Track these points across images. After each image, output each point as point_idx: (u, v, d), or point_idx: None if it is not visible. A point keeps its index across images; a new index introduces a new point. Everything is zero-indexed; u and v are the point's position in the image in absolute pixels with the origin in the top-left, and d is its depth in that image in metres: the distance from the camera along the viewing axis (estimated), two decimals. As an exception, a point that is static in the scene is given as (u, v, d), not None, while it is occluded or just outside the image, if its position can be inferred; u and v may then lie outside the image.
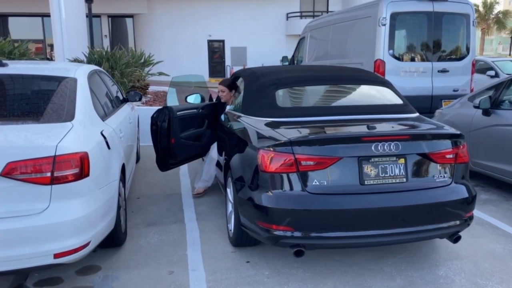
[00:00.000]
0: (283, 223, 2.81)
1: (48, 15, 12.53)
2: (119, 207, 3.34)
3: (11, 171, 2.44)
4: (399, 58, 6.82)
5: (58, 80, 3.37)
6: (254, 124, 3.40)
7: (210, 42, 25.73)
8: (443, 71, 6.90)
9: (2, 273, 2.53)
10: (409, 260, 3.31)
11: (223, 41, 25.94)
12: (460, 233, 3.08)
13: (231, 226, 3.52)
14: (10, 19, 23.14)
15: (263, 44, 25.27)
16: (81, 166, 2.65)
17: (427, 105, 6.75)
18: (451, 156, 3.06)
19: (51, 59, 18.20)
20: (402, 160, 2.93)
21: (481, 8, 42.12)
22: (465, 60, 7.09)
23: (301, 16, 25.61)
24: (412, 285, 2.96)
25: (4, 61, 3.56)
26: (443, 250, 3.47)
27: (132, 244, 3.59)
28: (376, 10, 6.79)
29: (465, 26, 7.03)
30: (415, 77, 6.87)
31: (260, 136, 3.14)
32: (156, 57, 10.94)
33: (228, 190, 3.70)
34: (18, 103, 3.28)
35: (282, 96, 3.67)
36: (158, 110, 4.42)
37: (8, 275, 2.96)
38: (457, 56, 7.09)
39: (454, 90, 6.94)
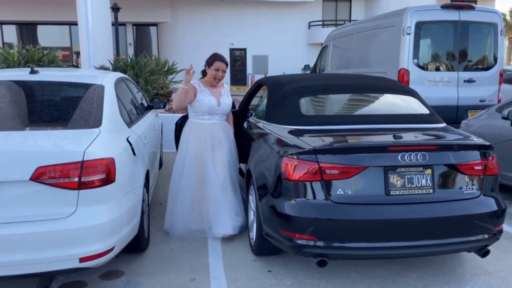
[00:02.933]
0: (306, 232, 2.79)
1: (75, 24, 12.87)
2: (142, 212, 3.37)
3: (41, 176, 2.50)
4: (423, 68, 6.72)
5: (86, 87, 3.45)
6: (277, 131, 3.40)
7: (232, 50, 25.93)
8: (470, 81, 6.76)
9: (30, 276, 2.58)
10: (435, 274, 3.23)
11: (245, 50, 26.12)
12: (489, 247, 3.00)
13: (253, 234, 3.50)
14: (39, 27, 23.85)
15: (285, 53, 25.32)
16: (108, 172, 2.69)
17: (452, 115, 6.61)
18: (479, 167, 2.98)
19: (77, 66, 18.65)
20: (429, 171, 2.88)
21: (508, 17, 41.24)
22: (493, 70, 6.93)
23: (323, 25, 25.58)
24: (438, 300, 2.89)
25: (35, 68, 3.66)
26: (470, 265, 3.37)
27: (154, 250, 3.61)
28: (400, 19, 6.73)
29: (493, 35, 6.89)
30: (440, 86, 6.75)
31: (284, 144, 3.13)
32: (179, 65, 11.09)
33: (250, 198, 3.70)
34: (47, 109, 3.37)
35: (306, 104, 3.66)
36: (183, 117, 4.47)
37: (34, 277, 3.02)
38: (484, 66, 6.94)
39: (481, 101, 6.79)
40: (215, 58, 3.91)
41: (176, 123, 4.48)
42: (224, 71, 3.91)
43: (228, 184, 3.87)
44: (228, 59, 26.14)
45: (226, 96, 3.98)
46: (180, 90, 3.81)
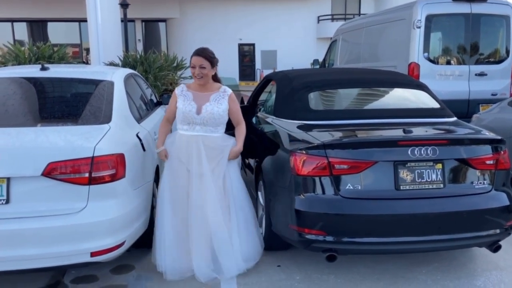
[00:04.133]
0: (316, 227, 2.79)
1: (84, 20, 12.94)
2: (152, 207, 3.40)
3: (52, 171, 2.53)
4: (434, 61, 6.65)
5: (96, 83, 3.47)
6: (286, 126, 3.39)
7: (240, 45, 25.87)
8: (481, 74, 6.68)
9: (42, 270, 2.63)
10: (445, 269, 3.21)
11: (253, 45, 26.04)
12: (500, 243, 2.97)
13: (262, 229, 3.51)
14: (49, 24, 24.02)
15: (294, 48, 25.19)
16: (118, 167, 2.71)
17: (463, 109, 6.53)
18: (491, 162, 2.95)
19: (87, 62, 18.77)
20: (439, 165, 2.85)
21: (520, 9, 40.56)
22: (505, 63, 6.83)
23: (332, 19, 25.39)
24: (448, 295, 2.87)
25: (45, 65, 3.69)
26: (481, 260, 3.35)
27: (164, 245, 3.63)
28: (410, 12, 6.65)
29: (505, 28, 6.78)
30: (451, 80, 6.68)
31: (293, 139, 3.13)
32: (188, 60, 11.10)
33: (259, 193, 3.70)
34: (58, 105, 3.40)
35: (315, 99, 3.65)
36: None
37: (47, 271, 3.06)
38: (495, 59, 6.85)
39: (492, 94, 6.70)
40: (192, 54, 3.13)
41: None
42: (202, 67, 3.05)
43: (223, 219, 3.03)
44: (236, 54, 26.15)
45: (214, 102, 3.08)
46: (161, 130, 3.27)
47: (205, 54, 3.10)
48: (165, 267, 3.03)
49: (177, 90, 3.21)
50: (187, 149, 3.07)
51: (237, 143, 3.19)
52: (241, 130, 3.25)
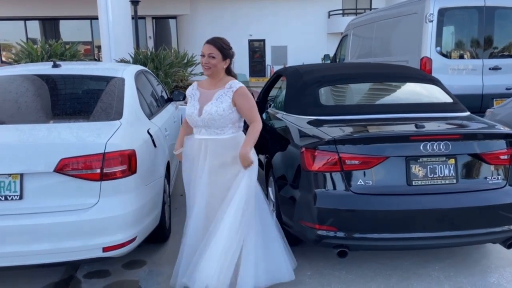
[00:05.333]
0: (327, 222, 2.77)
1: (96, 18, 13.04)
2: (164, 203, 3.42)
3: (64, 167, 2.55)
4: (447, 56, 6.56)
5: (107, 80, 3.49)
6: (296, 122, 3.38)
7: (250, 41, 25.83)
8: (495, 68, 6.57)
9: (55, 264, 2.66)
10: (458, 265, 3.18)
11: (263, 41, 25.98)
12: (515, 239, 2.93)
13: (273, 225, 3.50)
14: (61, 22, 24.25)
15: (304, 43, 25.08)
16: (129, 163, 2.73)
17: (477, 104, 6.44)
18: (505, 157, 2.90)
19: (98, 60, 18.92)
20: (452, 161, 2.82)
21: (536, 2, 39.81)
22: (520, 57, 6.72)
23: (343, 14, 25.21)
24: (461, 291, 2.84)
25: (57, 62, 3.73)
26: (495, 256, 3.30)
27: (175, 240, 3.65)
28: (422, 6, 6.56)
29: (520, 21, 6.66)
30: (464, 75, 6.58)
31: (303, 135, 3.11)
32: (198, 57, 11.11)
33: (269, 189, 3.70)
34: (70, 102, 3.44)
35: (326, 94, 3.62)
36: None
37: (60, 266, 3.10)
38: (510, 52, 6.72)
39: (507, 89, 6.59)
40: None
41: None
42: (211, 56, 2.73)
43: (225, 234, 2.62)
44: (247, 50, 26.07)
45: (216, 101, 2.72)
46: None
47: (217, 43, 2.76)
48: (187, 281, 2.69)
49: (188, 90, 2.94)
50: (195, 154, 2.83)
51: (242, 144, 2.72)
52: (252, 129, 2.76)
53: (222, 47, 2.77)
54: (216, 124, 2.73)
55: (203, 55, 2.77)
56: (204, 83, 2.90)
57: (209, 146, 2.75)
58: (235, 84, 2.79)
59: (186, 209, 2.94)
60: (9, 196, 2.53)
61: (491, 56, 6.61)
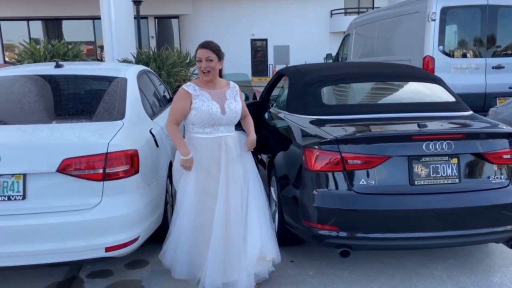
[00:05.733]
0: (329, 222, 2.77)
1: (98, 18, 13.04)
2: (166, 203, 3.42)
3: (67, 167, 2.56)
4: (449, 55, 6.54)
5: (109, 80, 3.50)
6: (299, 122, 3.38)
7: (253, 41, 25.82)
8: (498, 67, 6.55)
9: (59, 264, 2.67)
10: (461, 265, 3.17)
11: (266, 40, 25.96)
12: (518, 238, 2.92)
13: (275, 225, 3.51)
14: (64, 22, 24.30)
15: (306, 42, 25.05)
16: (131, 163, 2.73)
17: (480, 103, 6.43)
18: (508, 156, 2.89)
19: (101, 60, 18.95)
20: (454, 160, 2.81)
21: (539, 0, 39.62)
22: (523, 56, 6.69)
23: (345, 13, 25.16)
24: (464, 291, 2.84)
25: (60, 63, 3.73)
26: (498, 256, 3.30)
27: (178, 240, 3.66)
28: (425, 5, 6.55)
29: (523, 20, 6.63)
30: (467, 74, 6.56)
31: (305, 134, 3.11)
32: (200, 56, 11.09)
33: (272, 188, 3.70)
34: (72, 102, 3.45)
35: (328, 94, 3.62)
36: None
37: (63, 266, 3.11)
38: (513, 51, 6.70)
39: (510, 88, 6.56)
40: (197, 47, 2.91)
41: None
42: (209, 59, 2.81)
43: (253, 220, 2.87)
44: (249, 50, 26.07)
45: (232, 99, 2.90)
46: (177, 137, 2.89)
47: (211, 46, 2.86)
48: (175, 265, 2.90)
49: (190, 89, 2.87)
50: (212, 154, 2.83)
51: (250, 132, 3.06)
52: (250, 120, 3.14)
53: (216, 49, 2.87)
54: (234, 121, 2.95)
55: (200, 60, 2.83)
56: (203, 85, 2.91)
57: (228, 142, 2.88)
58: (233, 83, 3.03)
59: (183, 203, 2.87)
60: (12, 196, 2.54)
61: (494, 55, 6.59)
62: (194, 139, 2.89)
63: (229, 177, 2.83)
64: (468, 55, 6.65)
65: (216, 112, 2.82)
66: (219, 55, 2.87)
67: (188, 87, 2.90)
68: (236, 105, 2.90)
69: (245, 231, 2.84)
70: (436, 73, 6.16)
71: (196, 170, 2.85)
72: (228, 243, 2.77)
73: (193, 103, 2.83)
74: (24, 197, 2.55)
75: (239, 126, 3.14)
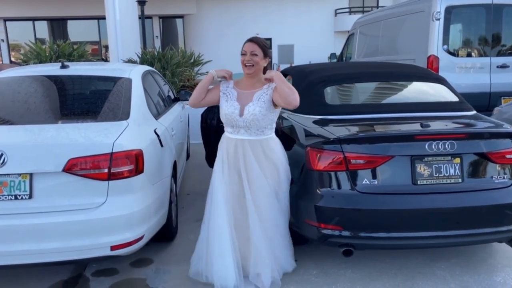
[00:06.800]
0: (332, 222, 2.79)
1: (103, 18, 13.12)
2: (170, 202, 3.45)
3: (72, 167, 2.59)
4: (454, 54, 6.52)
5: (114, 80, 3.53)
6: (302, 121, 3.39)
7: (257, 40, 25.82)
8: (503, 66, 6.52)
9: (64, 263, 2.70)
10: (464, 264, 3.17)
11: (270, 39, 25.97)
12: (521, 238, 2.92)
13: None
14: (69, 22, 24.42)
15: (311, 41, 25.02)
16: (136, 163, 2.76)
17: (484, 102, 6.41)
18: (511, 156, 2.90)
19: (106, 60, 19.04)
20: (457, 160, 2.82)
21: (545, -2, 39.31)
22: (528, 55, 6.66)
23: (350, 12, 25.11)
24: (467, 290, 2.84)
25: (65, 63, 3.77)
26: (501, 255, 3.30)
27: (182, 239, 3.69)
28: (429, 4, 6.53)
29: (528, 19, 6.61)
30: (472, 73, 6.54)
31: (308, 134, 3.13)
32: (205, 56, 11.15)
33: (276, 188, 3.71)
34: (78, 102, 3.48)
35: (331, 94, 3.63)
36: (208, 109, 4.51)
37: (69, 264, 3.15)
38: (518, 50, 6.68)
39: None
40: (244, 42, 2.91)
41: (202, 115, 4.52)
42: (253, 54, 2.79)
43: (270, 227, 2.88)
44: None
45: (257, 102, 2.80)
46: (201, 83, 2.97)
47: (259, 41, 2.85)
48: (212, 275, 2.85)
49: (222, 86, 2.91)
50: (234, 153, 2.85)
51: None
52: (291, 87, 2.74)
53: (263, 45, 2.86)
54: (259, 124, 2.80)
55: (244, 54, 2.83)
56: (240, 84, 2.94)
57: (245, 146, 2.84)
58: (273, 84, 2.83)
59: (215, 205, 2.88)
60: (19, 195, 2.58)
61: (499, 54, 6.56)
62: (223, 136, 2.98)
63: (251, 178, 2.83)
64: (472, 54, 6.63)
65: (232, 113, 2.81)
66: (266, 51, 2.84)
67: (222, 84, 2.96)
68: (259, 108, 2.77)
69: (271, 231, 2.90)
70: (441, 73, 6.16)
71: (221, 168, 2.90)
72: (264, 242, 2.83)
73: (220, 100, 2.92)
74: (30, 196, 2.58)
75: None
